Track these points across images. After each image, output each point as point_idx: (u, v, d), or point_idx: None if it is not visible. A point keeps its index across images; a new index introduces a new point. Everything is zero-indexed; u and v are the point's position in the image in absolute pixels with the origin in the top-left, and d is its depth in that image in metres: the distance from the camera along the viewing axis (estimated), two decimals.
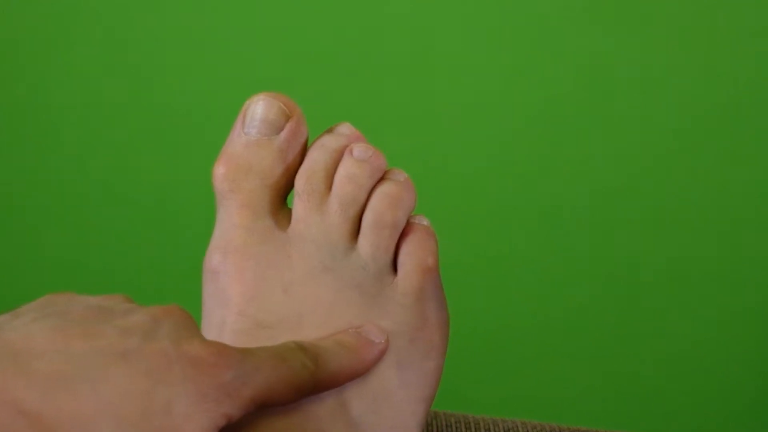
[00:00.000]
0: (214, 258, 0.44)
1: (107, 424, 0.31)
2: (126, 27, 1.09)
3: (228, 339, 0.42)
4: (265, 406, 0.36)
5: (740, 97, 1.08)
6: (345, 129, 0.47)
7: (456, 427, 0.60)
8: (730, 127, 1.09)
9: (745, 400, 1.15)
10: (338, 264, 0.44)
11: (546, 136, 1.10)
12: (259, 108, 0.45)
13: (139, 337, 0.33)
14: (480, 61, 1.08)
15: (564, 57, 1.07)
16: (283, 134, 0.45)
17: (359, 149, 0.45)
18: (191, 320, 0.36)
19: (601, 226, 1.12)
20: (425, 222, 0.46)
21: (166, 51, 1.09)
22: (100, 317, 0.34)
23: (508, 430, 0.60)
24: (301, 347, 0.39)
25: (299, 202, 0.45)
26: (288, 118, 0.45)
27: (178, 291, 1.01)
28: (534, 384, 1.15)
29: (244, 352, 0.35)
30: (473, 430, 0.60)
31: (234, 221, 0.44)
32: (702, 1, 1.05)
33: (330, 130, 0.47)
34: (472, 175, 1.11)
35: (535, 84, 1.08)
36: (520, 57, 1.08)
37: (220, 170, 0.44)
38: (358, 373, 0.41)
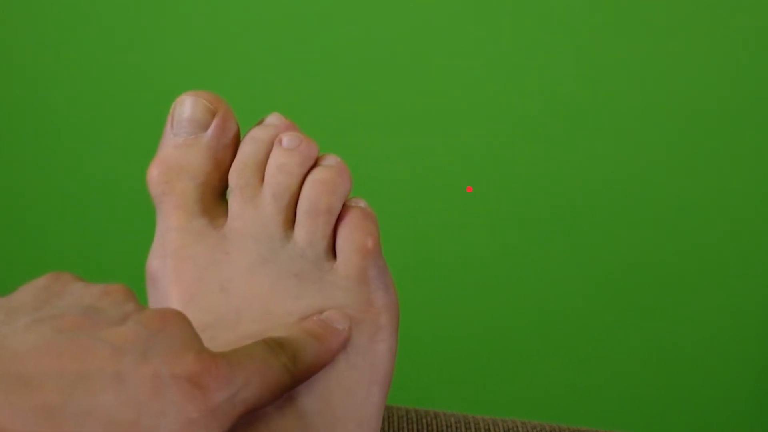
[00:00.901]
0: (153, 263, 0.43)
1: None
2: (126, 26, 1.09)
3: None
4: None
5: (741, 96, 1.08)
6: (274, 119, 0.46)
7: (456, 427, 0.60)
8: (730, 128, 1.08)
9: (745, 400, 1.15)
10: (276, 255, 0.43)
11: (544, 136, 1.10)
12: (185, 108, 0.45)
13: (132, 357, 0.32)
14: (478, 60, 1.08)
15: (562, 56, 1.08)
16: (210, 131, 0.45)
17: (288, 138, 0.45)
18: (187, 328, 0.35)
19: (601, 226, 1.12)
20: (362, 204, 0.45)
21: (166, 50, 1.09)
22: (93, 326, 0.33)
23: (508, 430, 0.60)
24: (280, 346, 0.38)
25: (233, 198, 0.44)
26: (214, 114, 0.45)
27: None
28: (534, 384, 1.15)
29: (234, 367, 0.35)
30: (473, 430, 0.60)
31: (169, 224, 0.44)
32: (701, 1, 1.05)
33: (260, 122, 0.47)
34: (471, 174, 1.11)
35: (535, 83, 1.08)
36: (519, 57, 1.08)
37: (153, 174, 0.44)
38: (326, 363, 0.41)
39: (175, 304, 0.42)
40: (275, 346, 0.38)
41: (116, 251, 1.15)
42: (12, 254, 1.16)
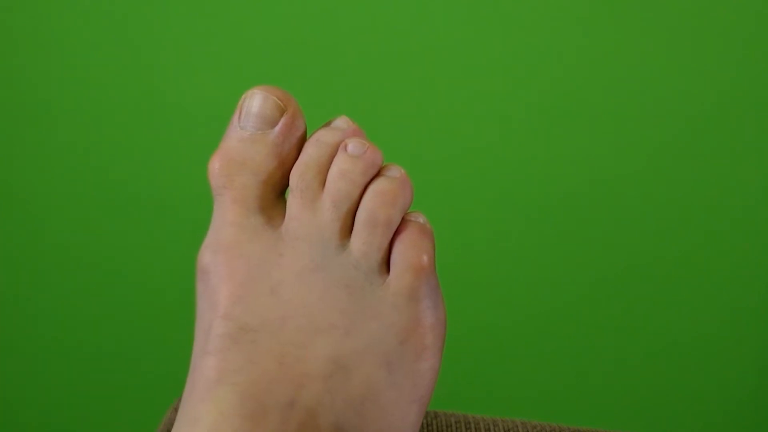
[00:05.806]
0: (205, 256, 0.43)
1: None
2: (127, 25, 1.09)
3: (213, 343, 0.42)
4: None
5: (741, 93, 1.08)
6: (342, 123, 0.46)
7: (456, 427, 0.60)
8: (731, 125, 1.09)
9: (745, 400, 1.15)
10: (329, 263, 0.43)
11: (543, 134, 1.10)
12: (254, 102, 0.44)
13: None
14: (479, 57, 1.08)
15: (561, 53, 1.08)
16: (278, 129, 0.44)
17: (353, 144, 0.44)
18: None
19: (602, 224, 1.12)
20: (421, 219, 0.45)
21: (167, 48, 1.09)
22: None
23: (508, 430, 0.60)
24: None
25: (293, 199, 0.44)
26: (283, 112, 0.44)
27: (182, 289, 1.01)
28: (534, 384, 1.15)
29: None
30: (473, 430, 0.60)
31: (226, 218, 0.43)
32: (700, 1, 1.06)
33: (327, 124, 0.46)
34: (469, 173, 1.11)
35: (533, 80, 1.08)
36: (519, 54, 1.08)
37: (214, 165, 0.44)
38: None
39: (223, 302, 0.42)
40: None
41: (118, 249, 1.15)
42: (12, 253, 1.16)
